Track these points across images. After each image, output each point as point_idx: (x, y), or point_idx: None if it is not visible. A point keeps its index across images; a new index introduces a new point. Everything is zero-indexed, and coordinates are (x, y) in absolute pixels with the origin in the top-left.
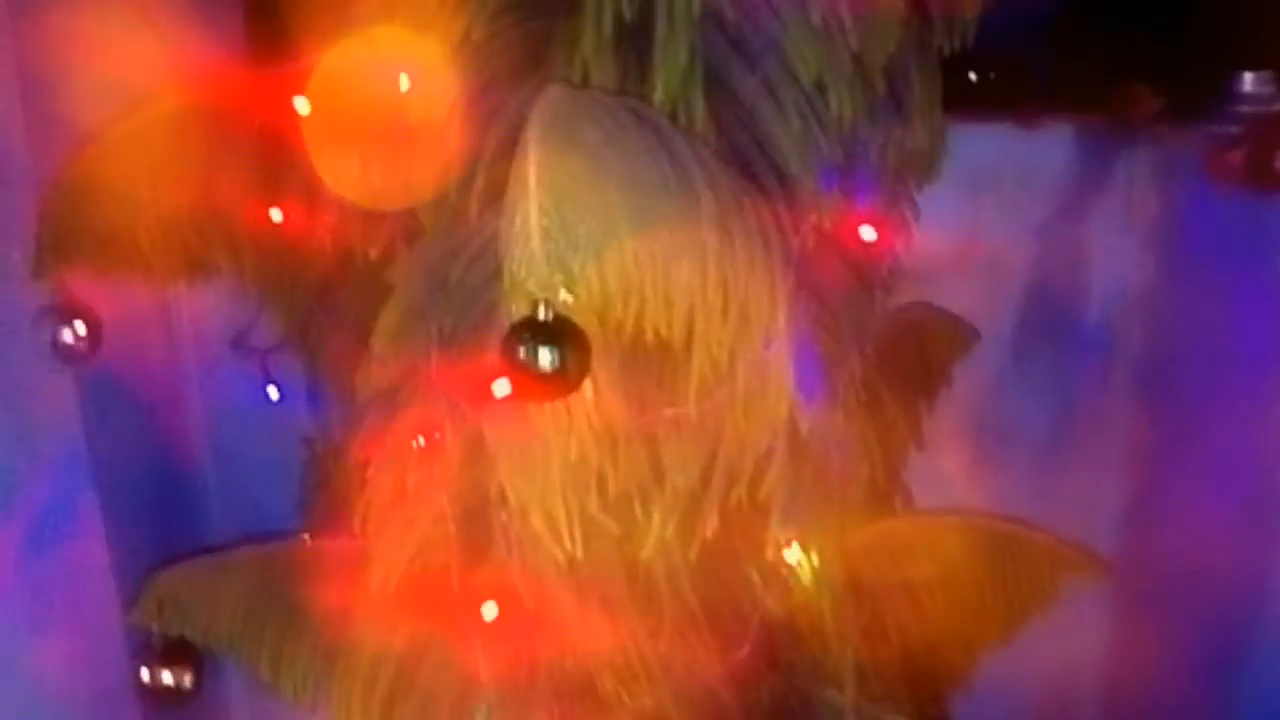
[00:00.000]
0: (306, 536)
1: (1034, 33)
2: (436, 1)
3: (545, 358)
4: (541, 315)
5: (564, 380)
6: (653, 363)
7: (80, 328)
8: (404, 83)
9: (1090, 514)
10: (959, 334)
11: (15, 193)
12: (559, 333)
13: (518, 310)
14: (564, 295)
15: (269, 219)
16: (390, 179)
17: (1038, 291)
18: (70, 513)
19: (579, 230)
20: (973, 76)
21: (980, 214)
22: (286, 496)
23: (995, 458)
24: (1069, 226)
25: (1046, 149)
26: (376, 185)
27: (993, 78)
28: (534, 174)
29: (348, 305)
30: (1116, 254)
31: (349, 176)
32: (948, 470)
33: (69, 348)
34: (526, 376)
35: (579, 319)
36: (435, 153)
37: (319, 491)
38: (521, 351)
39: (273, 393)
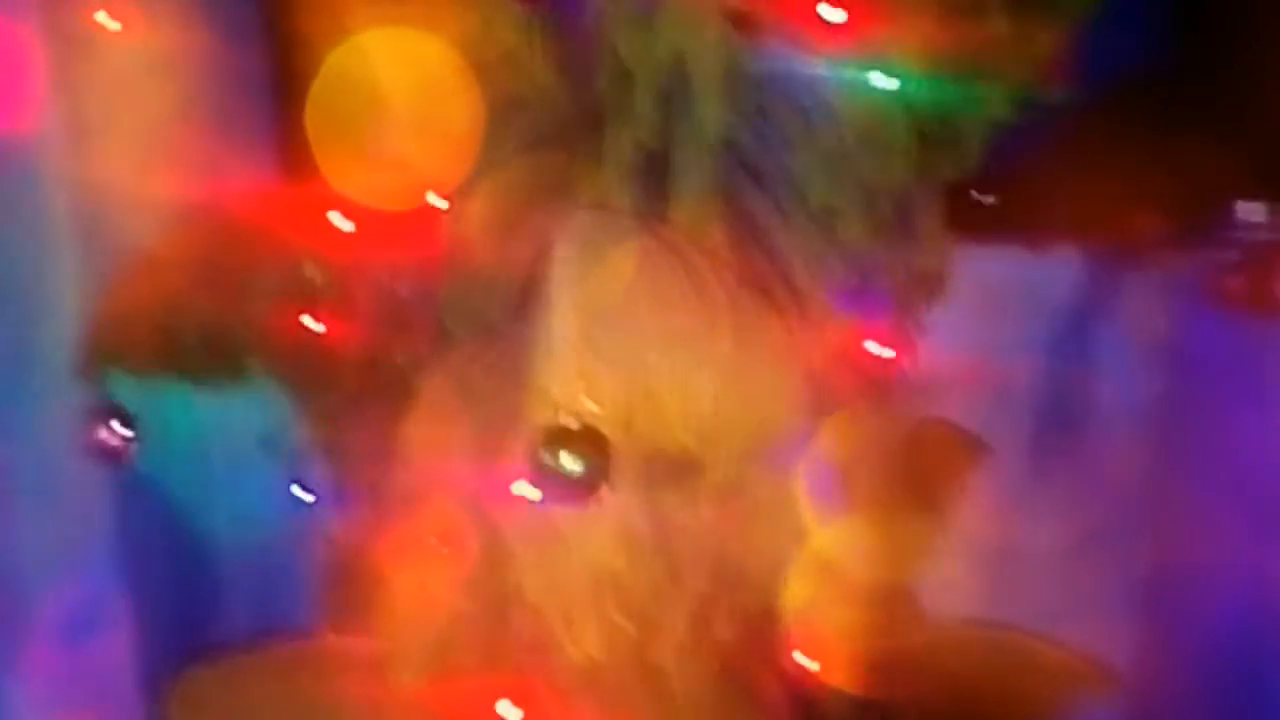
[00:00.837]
0: (329, 636)
1: (1041, 159)
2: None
3: (570, 464)
4: (567, 423)
5: (587, 486)
6: (671, 470)
7: (121, 428)
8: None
9: (1100, 625)
10: (971, 449)
11: (60, 299)
12: (584, 440)
13: (545, 418)
14: (589, 405)
15: (303, 326)
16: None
17: (1047, 409)
18: (100, 609)
19: (604, 345)
20: (975, 195)
21: (991, 333)
22: (308, 596)
23: (1007, 570)
24: (1077, 347)
25: (1055, 272)
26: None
27: (992, 202)
28: (563, 292)
29: (375, 410)
30: (1122, 374)
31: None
32: (961, 582)
33: (110, 447)
34: (551, 481)
35: (603, 427)
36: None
37: (341, 591)
38: (547, 457)
39: (300, 493)
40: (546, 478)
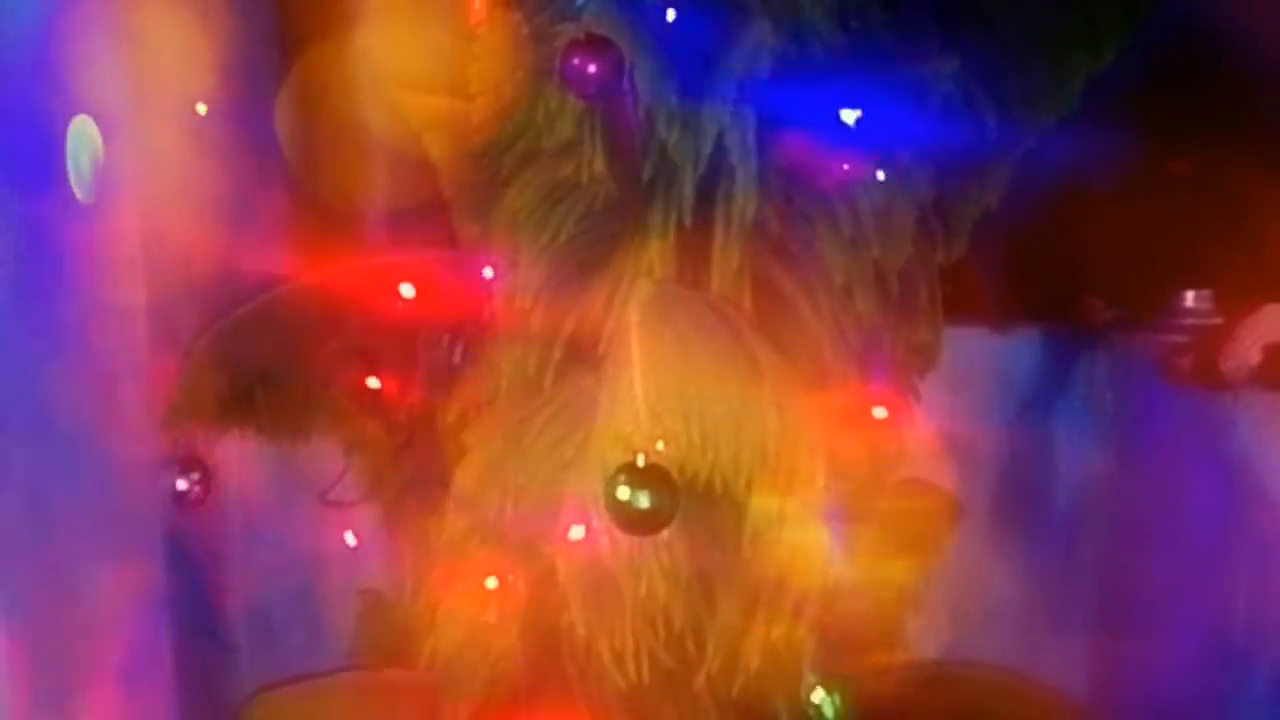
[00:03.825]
0: (386, 669)
1: (1003, 250)
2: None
3: (643, 499)
4: (640, 462)
5: (657, 518)
6: (715, 511)
7: (196, 477)
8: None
9: (1058, 668)
10: (950, 508)
11: (142, 360)
12: (654, 477)
13: (619, 458)
14: (659, 446)
15: (365, 387)
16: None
17: (1009, 475)
18: (147, 650)
19: (671, 394)
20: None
21: (961, 404)
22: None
23: (976, 621)
24: (1036, 419)
25: (1016, 350)
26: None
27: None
28: (636, 348)
29: (426, 463)
30: (1078, 444)
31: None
32: (938, 626)
33: (184, 494)
34: (625, 515)
35: (668, 469)
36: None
37: (376, 634)
38: (623, 493)
39: (350, 539)
40: (622, 512)
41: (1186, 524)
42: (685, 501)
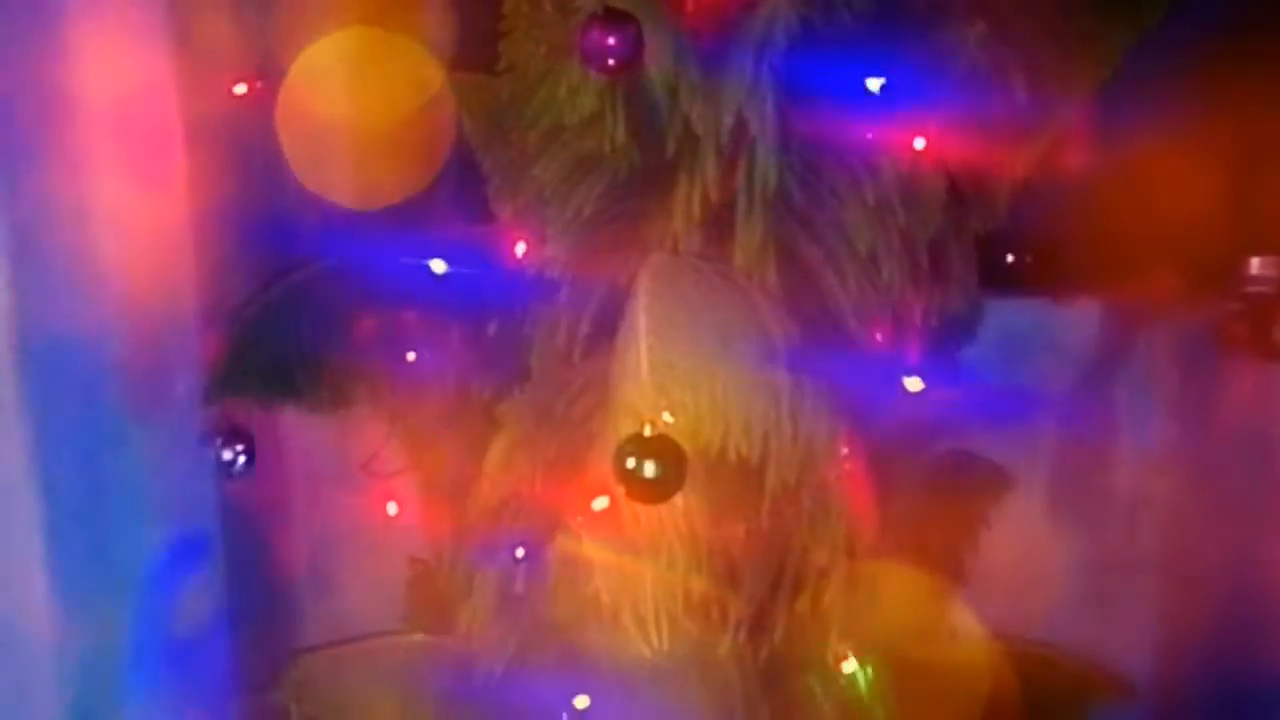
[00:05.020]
0: (421, 634)
1: (1061, 219)
2: None
3: (649, 468)
4: (647, 432)
5: (664, 487)
6: (732, 482)
7: (240, 447)
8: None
9: (1120, 647)
10: (996, 480)
11: (188, 336)
12: (661, 447)
13: (627, 428)
14: (666, 417)
15: (403, 362)
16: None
17: (1070, 449)
18: (205, 610)
19: (679, 366)
20: (1010, 257)
21: (1019, 376)
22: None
23: (1034, 598)
24: (1098, 392)
25: (1076, 321)
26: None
27: (1028, 260)
28: (644, 320)
29: (463, 436)
30: (1141, 418)
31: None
32: (991, 607)
33: (229, 464)
34: (633, 484)
35: (677, 439)
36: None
37: (421, 602)
38: (630, 462)
39: (392, 509)
40: (631, 481)
41: (1252, 501)
42: (702, 472)
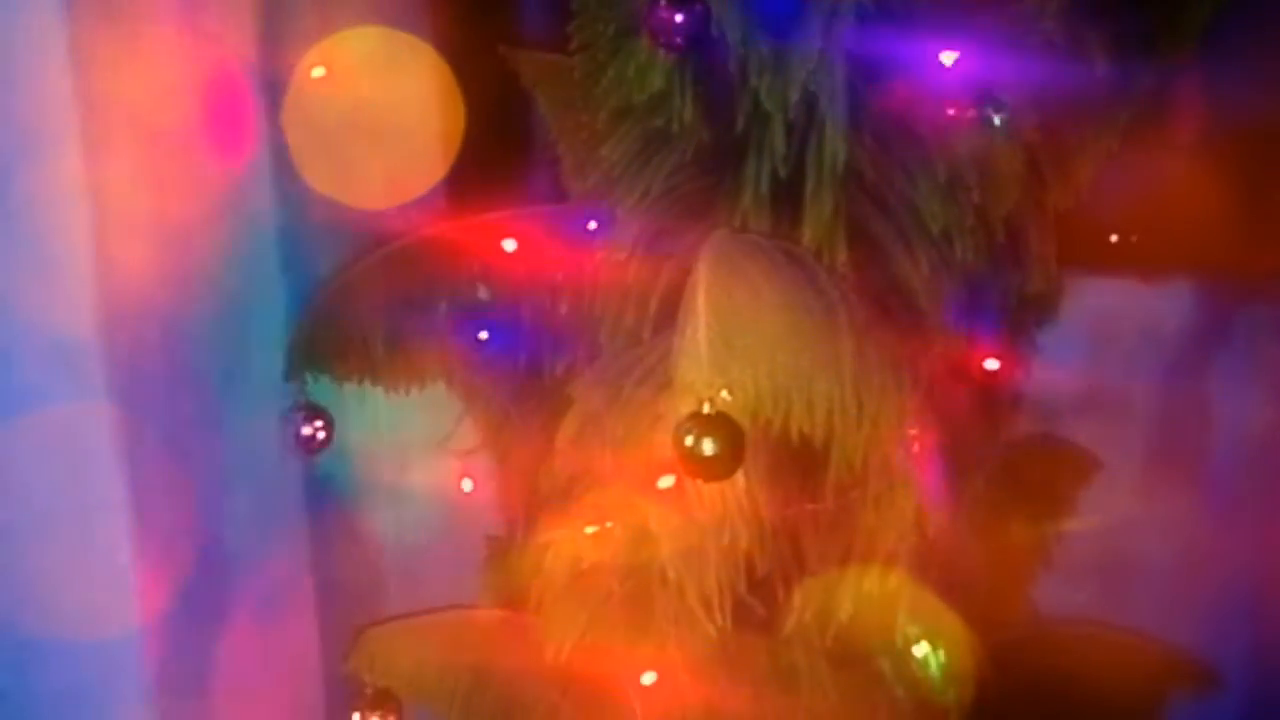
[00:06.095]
0: (490, 608)
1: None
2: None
3: (708, 446)
4: (705, 410)
5: (722, 465)
6: (797, 462)
7: (319, 425)
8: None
9: (1214, 636)
10: (1082, 464)
11: (271, 316)
12: (719, 425)
13: (686, 406)
14: (724, 395)
15: (476, 340)
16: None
17: (1163, 434)
18: (288, 586)
19: (738, 344)
20: (1114, 237)
21: (1110, 358)
22: (468, 582)
23: (1120, 579)
24: (1192, 374)
25: (1168, 302)
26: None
27: (1133, 240)
28: (703, 298)
29: (535, 415)
30: (1237, 402)
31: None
32: (1079, 596)
33: (309, 441)
34: (691, 461)
35: (736, 417)
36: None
37: (498, 578)
38: (688, 440)
39: (467, 485)
40: (689, 458)
41: None
42: (764, 451)
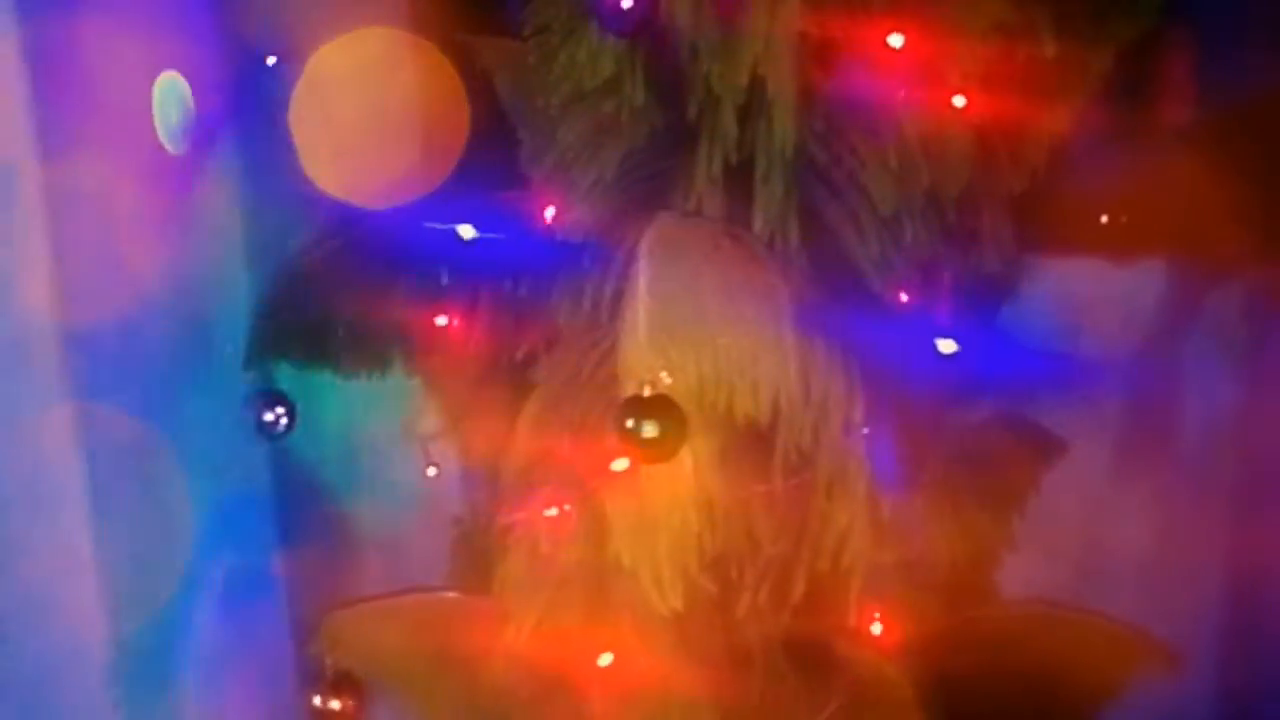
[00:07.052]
0: (453, 593)
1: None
2: None
3: (648, 429)
4: (645, 393)
5: (664, 447)
6: (746, 444)
7: (280, 411)
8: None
9: (1186, 620)
10: (1046, 445)
11: (232, 300)
12: (659, 408)
13: (627, 389)
14: (665, 378)
15: (436, 326)
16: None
17: (1132, 415)
18: (256, 569)
19: (678, 327)
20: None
21: (1078, 338)
22: (436, 565)
23: (1088, 564)
24: (1161, 355)
25: (1137, 283)
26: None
27: (1123, 221)
28: (644, 281)
29: (497, 399)
30: (1207, 383)
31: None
32: (1043, 578)
33: (270, 427)
34: (633, 444)
35: (678, 401)
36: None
37: (465, 561)
38: (629, 423)
39: (431, 471)
40: (630, 441)
41: None
42: (713, 433)
